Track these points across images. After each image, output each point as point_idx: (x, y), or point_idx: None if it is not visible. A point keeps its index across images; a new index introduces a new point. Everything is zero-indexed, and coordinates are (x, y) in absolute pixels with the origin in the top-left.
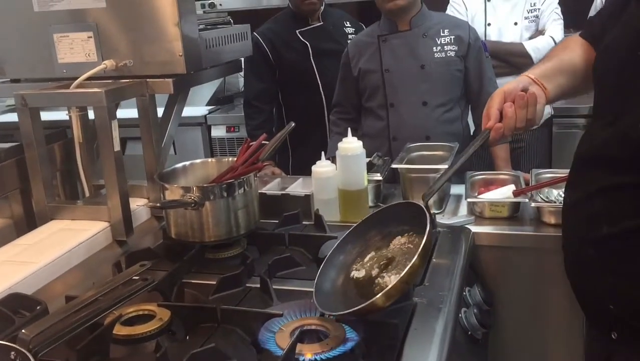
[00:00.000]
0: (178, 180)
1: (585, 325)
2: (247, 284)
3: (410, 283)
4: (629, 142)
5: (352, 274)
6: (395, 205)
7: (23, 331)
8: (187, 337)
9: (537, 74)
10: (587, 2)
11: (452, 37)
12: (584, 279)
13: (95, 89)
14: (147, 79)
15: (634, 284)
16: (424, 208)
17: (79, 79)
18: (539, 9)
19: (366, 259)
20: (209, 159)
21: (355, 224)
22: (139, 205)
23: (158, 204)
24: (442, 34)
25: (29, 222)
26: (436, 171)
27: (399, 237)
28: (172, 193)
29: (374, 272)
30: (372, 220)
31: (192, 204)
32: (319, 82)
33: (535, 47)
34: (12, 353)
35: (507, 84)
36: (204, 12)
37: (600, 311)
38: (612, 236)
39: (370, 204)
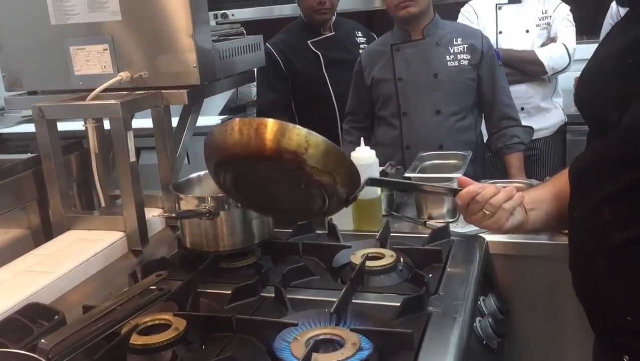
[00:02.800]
0: (193, 190)
1: (594, 349)
2: (262, 294)
3: None
4: (633, 139)
5: None
6: None
7: (42, 340)
8: (203, 346)
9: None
10: (599, 9)
11: (465, 45)
12: (597, 295)
13: (112, 101)
14: (162, 90)
15: None
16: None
17: (95, 91)
18: (550, 16)
19: None
20: None
21: None
22: (154, 215)
23: (173, 215)
24: (455, 43)
25: (46, 232)
26: (449, 180)
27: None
28: (187, 203)
29: None
30: None
31: (207, 214)
32: (332, 91)
33: (548, 55)
34: None
35: (515, 194)
36: (217, 22)
37: (615, 329)
38: (625, 242)
39: (383, 212)
